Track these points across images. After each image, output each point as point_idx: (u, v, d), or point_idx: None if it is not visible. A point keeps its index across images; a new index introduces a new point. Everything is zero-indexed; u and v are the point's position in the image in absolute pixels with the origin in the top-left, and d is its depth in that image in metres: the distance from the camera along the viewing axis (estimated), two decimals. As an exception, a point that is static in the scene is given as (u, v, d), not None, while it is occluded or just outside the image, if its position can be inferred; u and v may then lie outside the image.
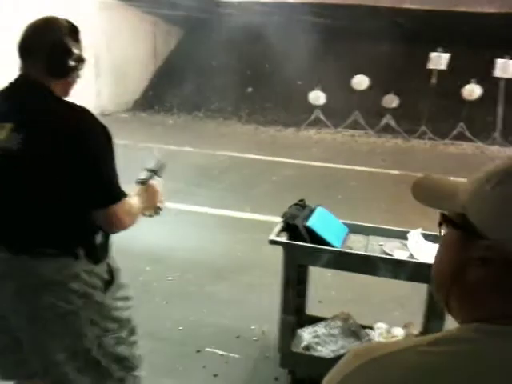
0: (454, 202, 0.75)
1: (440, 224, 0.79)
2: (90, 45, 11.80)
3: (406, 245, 2.56)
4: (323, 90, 10.75)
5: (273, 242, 2.47)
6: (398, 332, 2.69)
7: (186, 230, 4.88)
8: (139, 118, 11.52)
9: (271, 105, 11.82)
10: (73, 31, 1.70)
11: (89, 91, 10.64)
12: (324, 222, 2.62)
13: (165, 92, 12.59)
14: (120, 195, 1.67)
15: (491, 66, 9.76)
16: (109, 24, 10.98)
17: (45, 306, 1.62)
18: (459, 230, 0.74)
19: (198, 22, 13.35)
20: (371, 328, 2.79)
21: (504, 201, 0.70)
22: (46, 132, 1.57)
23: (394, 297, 3.50)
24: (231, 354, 2.90)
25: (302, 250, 2.43)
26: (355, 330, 2.70)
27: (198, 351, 2.91)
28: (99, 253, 1.73)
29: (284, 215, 2.63)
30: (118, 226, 1.69)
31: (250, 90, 12.32)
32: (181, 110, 12.02)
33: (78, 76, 1.76)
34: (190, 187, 6.31)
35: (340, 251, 2.42)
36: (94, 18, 10.44)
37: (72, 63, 1.68)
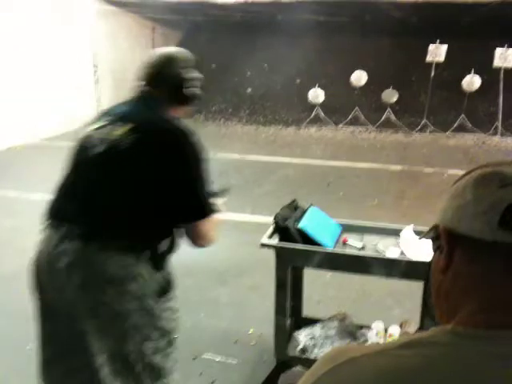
0: None
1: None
2: (89, 51, 11.89)
3: (398, 243, 2.53)
4: (322, 87, 10.72)
5: (264, 246, 2.46)
6: (395, 330, 2.66)
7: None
8: (140, 123, 11.53)
9: (271, 104, 11.80)
10: (189, 61, 1.96)
11: (89, 97, 10.68)
12: (316, 223, 2.60)
13: (165, 96, 12.59)
14: (210, 210, 1.79)
15: (490, 55, 9.68)
16: (107, 30, 11.00)
17: (104, 302, 1.68)
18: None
19: (196, 25, 13.37)
20: (369, 327, 2.77)
21: (452, 193, 0.75)
22: (152, 142, 1.74)
23: (393, 294, 3.47)
24: (228, 360, 2.88)
25: (293, 251, 2.41)
26: (352, 331, 2.67)
27: (195, 358, 2.89)
28: (162, 260, 1.79)
29: (276, 217, 2.60)
30: (206, 240, 1.82)
31: (249, 90, 12.30)
32: (181, 113, 12.01)
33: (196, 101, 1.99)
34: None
35: (331, 252, 2.40)
36: (92, 24, 10.47)
37: (188, 93, 1.92)
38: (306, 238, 2.47)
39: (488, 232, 0.67)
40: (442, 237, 0.74)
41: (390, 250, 2.47)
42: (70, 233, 1.68)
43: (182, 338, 3.09)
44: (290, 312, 2.62)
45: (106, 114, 1.89)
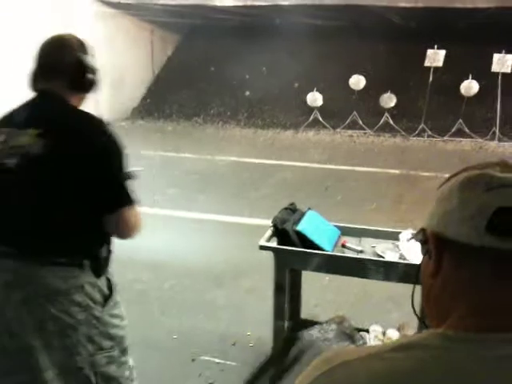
0: None
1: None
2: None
3: (398, 246, 2.55)
4: (320, 91, 10.75)
5: (263, 248, 2.46)
6: (394, 334, 2.67)
7: (184, 236, 4.87)
8: (138, 125, 11.54)
9: (269, 108, 11.82)
10: (83, 46, 1.84)
11: (87, 100, 10.68)
12: (315, 226, 2.61)
13: (163, 99, 12.61)
14: (132, 199, 1.71)
15: (488, 61, 9.72)
16: (106, 32, 11.00)
17: (49, 317, 1.63)
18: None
19: (195, 28, 13.40)
20: (367, 331, 2.78)
21: (438, 197, 0.75)
22: (64, 140, 1.64)
23: (392, 298, 3.47)
24: (227, 362, 2.88)
25: (291, 254, 2.42)
26: (350, 334, 2.68)
27: (193, 360, 2.90)
28: (103, 266, 1.75)
29: (274, 220, 2.61)
30: (130, 230, 1.72)
31: (247, 93, 12.32)
32: (180, 116, 12.04)
33: (96, 88, 1.90)
34: (188, 193, 6.31)
35: (330, 255, 2.41)
36: (90, 26, 10.47)
37: (91, 79, 1.82)
38: (304, 241, 2.47)
39: (475, 237, 0.66)
40: (430, 241, 0.74)
41: (388, 253, 2.48)
42: (3, 253, 1.63)
43: (181, 339, 3.12)
44: (289, 314, 2.62)
45: (5, 123, 1.75)
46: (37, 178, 1.63)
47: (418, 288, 0.82)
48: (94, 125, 1.72)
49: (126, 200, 1.69)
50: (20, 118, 1.72)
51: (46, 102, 1.76)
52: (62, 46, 1.79)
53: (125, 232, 1.73)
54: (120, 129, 9.14)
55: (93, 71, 1.82)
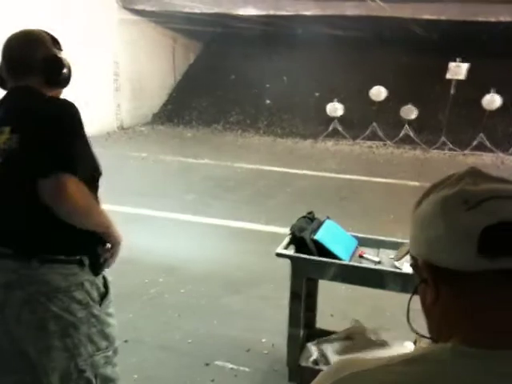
0: None
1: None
2: (110, 59, 12.03)
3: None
4: (341, 101, 10.74)
5: (280, 255, 2.47)
6: (410, 347, 2.64)
7: (201, 242, 4.89)
8: (157, 131, 11.64)
9: (289, 116, 11.84)
10: (55, 41, 1.80)
11: (109, 105, 10.82)
12: (332, 235, 2.61)
13: (184, 105, 12.72)
14: (74, 168, 1.54)
15: (511, 75, 9.63)
16: (129, 39, 11.15)
17: (51, 316, 1.61)
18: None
19: (217, 36, 13.51)
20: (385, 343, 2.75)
21: (412, 221, 0.75)
22: (33, 130, 1.58)
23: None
24: (241, 368, 2.88)
25: (308, 263, 2.42)
26: (365, 344, 2.66)
27: (207, 364, 2.90)
28: (101, 264, 1.74)
29: (292, 228, 2.62)
30: (66, 198, 1.51)
31: (268, 102, 12.36)
32: (199, 123, 12.12)
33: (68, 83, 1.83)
34: (206, 199, 6.34)
35: (347, 264, 2.40)
36: (114, 32, 10.63)
37: (66, 74, 1.78)
38: (321, 250, 2.47)
39: (469, 263, 0.65)
40: (424, 270, 0.72)
41: (405, 264, 2.47)
42: (2, 254, 1.61)
43: (195, 343, 3.13)
44: (304, 323, 2.62)
45: None
46: (19, 174, 1.58)
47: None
48: (55, 103, 1.67)
49: (65, 164, 1.54)
50: None
51: (18, 96, 1.71)
52: (32, 41, 1.74)
53: (59, 198, 1.52)
54: (140, 134, 9.33)
55: (68, 67, 1.79)
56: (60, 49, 1.80)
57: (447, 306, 0.71)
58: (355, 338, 2.68)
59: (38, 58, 1.70)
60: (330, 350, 2.61)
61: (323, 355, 2.57)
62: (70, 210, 1.55)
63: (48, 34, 1.78)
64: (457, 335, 0.69)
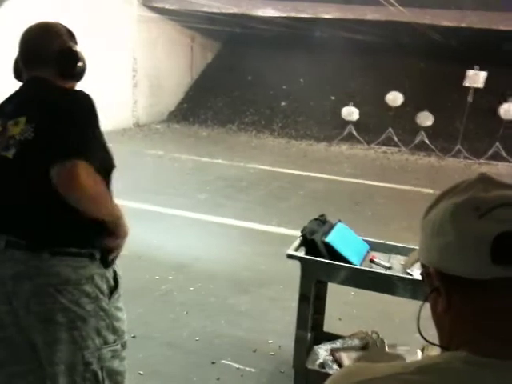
0: None
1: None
2: (129, 55, 12.09)
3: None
4: (356, 105, 10.71)
5: (290, 257, 2.47)
6: (418, 354, 2.63)
7: (211, 241, 4.91)
8: (173, 129, 11.69)
9: (304, 119, 11.83)
10: (71, 34, 1.80)
11: (126, 101, 10.88)
12: (343, 239, 2.60)
13: (200, 104, 12.76)
14: (86, 155, 1.53)
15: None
16: (147, 36, 11.22)
17: (59, 308, 1.61)
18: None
19: (235, 36, 13.54)
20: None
21: (422, 228, 0.74)
22: (49, 121, 1.58)
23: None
24: (247, 368, 2.88)
25: (318, 265, 2.41)
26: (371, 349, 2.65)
27: (213, 363, 2.91)
28: (112, 257, 1.74)
29: (303, 230, 2.61)
30: (77, 183, 1.49)
31: (283, 104, 12.37)
32: (215, 122, 12.16)
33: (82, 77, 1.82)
34: (218, 199, 6.36)
35: (357, 268, 2.39)
36: (132, 30, 10.70)
37: (81, 67, 1.77)
38: (332, 253, 2.47)
39: (482, 271, 0.64)
40: (435, 278, 0.72)
41: (416, 271, 2.45)
42: (13, 244, 1.59)
43: (202, 341, 3.14)
44: (311, 326, 2.61)
45: None
46: (34, 165, 1.58)
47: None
48: (71, 94, 1.67)
49: (76, 150, 1.52)
50: (11, 107, 1.70)
51: (34, 87, 1.72)
52: (48, 32, 1.74)
53: (70, 184, 1.50)
54: (155, 131, 9.38)
55: (83, 60, 1.78)
56: (76, 42, 1.80)
57: (459, 315, 0.70)
58: (372, 350, 2.65)
59: (53, 50, 1.70)
60: (346, 359, 2.59)
61: (338, 363, 2.54)
62: (80, 196, 1.53)
63: (64, 27, 1.79)
64: (468, 344, 0.68)
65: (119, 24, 10.19)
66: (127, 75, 10.92)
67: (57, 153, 1.52)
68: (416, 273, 2.43)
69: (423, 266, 0.76)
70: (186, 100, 13.16)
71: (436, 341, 0.77)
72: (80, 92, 1.68)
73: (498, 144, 9.82)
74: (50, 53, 1.70)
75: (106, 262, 1.71)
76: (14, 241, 1.59)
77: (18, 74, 1.80)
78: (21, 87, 1.75)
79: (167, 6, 10.94)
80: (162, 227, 5.15)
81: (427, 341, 0.81)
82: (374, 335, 2.72)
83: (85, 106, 1.64)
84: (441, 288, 0.71)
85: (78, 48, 1.79)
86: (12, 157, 1.60)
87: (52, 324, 1.62)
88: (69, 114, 1.59)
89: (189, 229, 5.23)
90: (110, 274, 1.74)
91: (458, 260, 0.66)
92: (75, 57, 1.74)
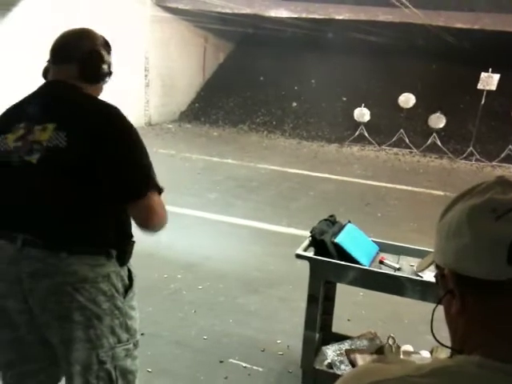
0: None
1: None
2: (141, 55, 12.13)
3: (436, 266, 2.50)
4: (368, 106, 10.68)
5: (299, 257, 2.47)
6: (426, 356, 2.62)
7: (221, 240, 4.92)
8: (184, 129, 11.73)
9: (315, 120, 11.82)
10: (106, 44, 1.81)
11: (138, 100, 10.93)
12: (353, 239, 2.60)
13: (211, 105, 12.79)
14: (159, 186, 1.66)
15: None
16: (160, 36, 11.26)
17: (76, 307, 1.61)
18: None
19: (248, 37, 13.56)
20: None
21: (438, 231, 0.74)
22: (83, 130, 1.60)
23: (425, 320, 3.40)
24: (254, 367, 2.89)
25: (327, 265, 2.41)
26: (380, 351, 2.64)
27: (221, 361, 2.91)
28: (127, 255, 1.74)
29: (313, 230, 2.61)
30: (155, 219, 1.65)
31: (295, 104, 12.36)
32: (226, 122, 12.18)
33: (104, 84, 1.83)
34: (228, 198, 6.37)
35: (366, 269, 2.39)
36: (145, 29, 10.75)
37: (105, 71, 1.77)
38: (341, 254, 2.47)
39: (498, 272, 0.64)
40: (450, 280, 0.71)
41: (426, 273, 2.44)
42: (32, 242, 1.59)
43: (211, 340, 3.15)
44: (320, 326, 2.61)
45: (18, 116, 1.70)
46: (61, 170, 1.59)
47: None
48: (110, 114, 1.67)
49: (152, 186, 1.64)
50: (35, 110, 1.67)
51: (62, 93, 1.71)
52: (81, 33, 1.76)
53: (148, 222, 1.66)
54: (167, 131, 9.41)
55: (108, 65, 1.79)
56: (109, 52, 1.81)
57: (473, 317, 0.70)
58: (387, 356, 2.64)
59: (82, 49, 1.72)
60: (360, 362, 2.57)
61: (353, 365, 2.53)
62: (154, 225, 1.68)
63: (102, 37, 1.81)
64: (481, 347, 0.68)
65: (132, 24, 10.24)
66: (140, 75, 10.97)
67: (131, 189, 1.62)
68: (426, 274, 2.42)
69: (438, 267, 0.75)
70: (197, 100, 13.20)
71: (448, 343, 0.77)
72: (111, 106, 1.68)
73: (510, 147, 9.75)
74: (78, 51, 1.71)
75: (123, 260, 1.71)
76: (30, 239, 1.59)
77: (46, 71, 1.80)
78: (42, 88, 1.74)
79: (180, 6, 10.98)
80: (172, 226, 5.10)
81: (440, 343, 0.81)
82: (391, 340, 2.70)
83: (128, 124, 1.66)
84: (455, 290, 0.71)
85: (110, 58, 1.80)
86: (36, 162, 1.60)
87: (68, 322, 1.61)
88: (122, 137, 1.63)
89: (199, 228, 5.25)
90: (124, 272, 1.73)
91: (474, 261, 0.66)
92: (101, 59, 1.75)
